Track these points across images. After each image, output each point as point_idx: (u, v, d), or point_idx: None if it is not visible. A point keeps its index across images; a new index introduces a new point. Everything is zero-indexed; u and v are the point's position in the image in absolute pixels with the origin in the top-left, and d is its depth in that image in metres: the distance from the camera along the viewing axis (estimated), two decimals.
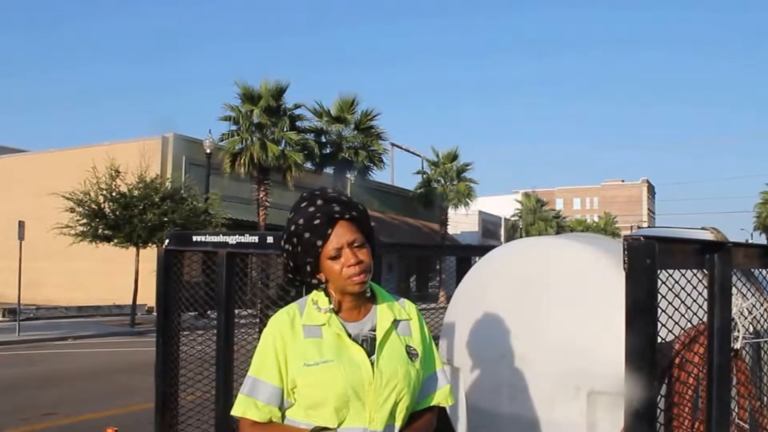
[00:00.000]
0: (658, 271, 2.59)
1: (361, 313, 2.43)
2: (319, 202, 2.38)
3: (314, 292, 2.46)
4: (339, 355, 2.31)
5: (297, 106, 35.78)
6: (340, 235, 2.34)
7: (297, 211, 2.41)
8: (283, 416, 2.37)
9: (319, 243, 2.34)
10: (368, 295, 2.46)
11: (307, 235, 2.34)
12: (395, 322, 2.44)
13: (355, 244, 2.35)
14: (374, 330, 2.41)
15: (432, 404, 2.54)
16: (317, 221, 2.34)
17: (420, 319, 2.55)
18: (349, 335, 2.37)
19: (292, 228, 2.38)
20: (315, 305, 2.42)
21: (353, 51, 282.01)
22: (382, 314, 2.44)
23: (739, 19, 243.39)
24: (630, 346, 2.51)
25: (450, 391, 2.59)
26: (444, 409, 2.83)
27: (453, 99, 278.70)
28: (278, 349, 2.35)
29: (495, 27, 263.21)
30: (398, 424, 2.36)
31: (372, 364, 2.33)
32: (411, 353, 2.42)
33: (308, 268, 2.38)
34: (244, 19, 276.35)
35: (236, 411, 2.37)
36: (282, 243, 2.43)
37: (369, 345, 2.37)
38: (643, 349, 2.50)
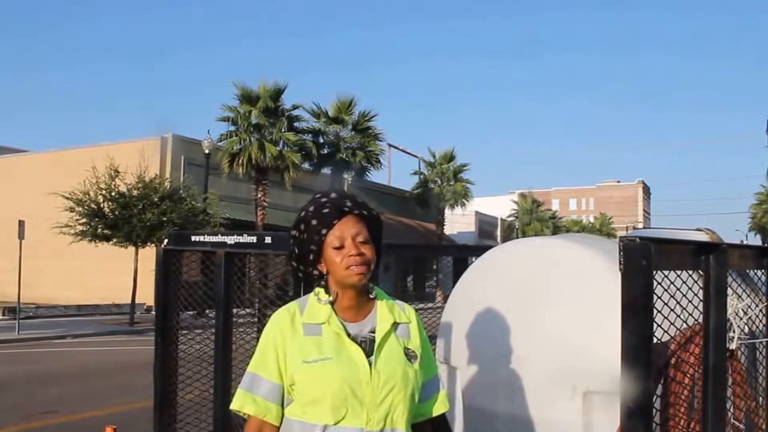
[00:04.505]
0: (654, 272, 2.61)
1: (361, 314, 2.45)
2: (333, 195, 2.45)
3: (316, 288, 2.48)
4: (338, 353, 2.33)
5: (295, 107, 35.82)
6: (346, 227, 2.38)
7: (310, 201, 2.46)
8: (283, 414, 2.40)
9: (324, 231, 2.38)
10: (371, 296, 2.48)
11: (314, 222, 2.39)
12: (395, 325, 2.47)
13: (359, 239, 2.38)
14: (374, 331, 2.43)
15: (436, 412, 2.58)
16: (326, 210, 2.39)
17: (419, 324, 2.57)
18: (349, 335, 2.39)
19: (302, 214, 2.44)
20: (316, 297, 2.45)
21: (351, 52, 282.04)
22: (383, 316, 2.46)
23: (735, 21, 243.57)
24: (626, 346, 2.53)
25: (446, 396, 2.63)
26: None
27: (450, 100, 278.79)
28: (278, 345, 2.38)
29: (492, 28, 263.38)
30: (401, 426, 2.38)
31: (370, 364, 2.35)
32: (410, 355, 2.44)
33: (311, 257, 2.42)
34: (243, 20, 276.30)
35: (234, 405, 2.41)
36: (291, 230, 2.48)
37: (368, 346, 2.39)
38: (638, 349, 2.52)
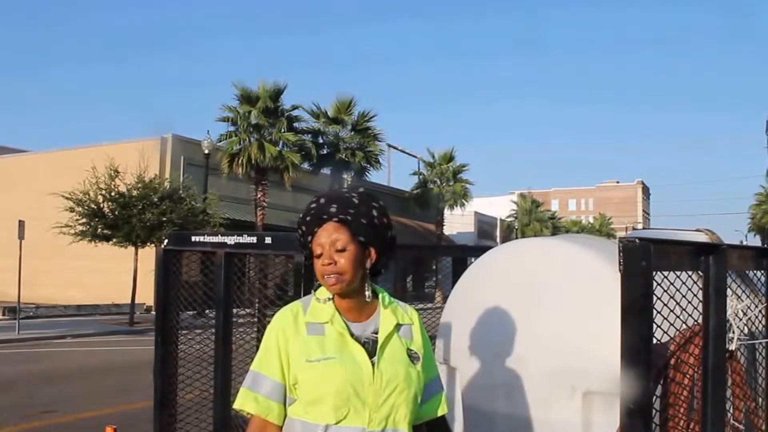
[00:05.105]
0: (654, 273, 2.62)
1: (364, 315, 2.47)
2: (322, 200, 2.45)
3: (320, 290, 2.50)
4: (341, 353, 2.34)
5: (295, 108, 35.78)
6: (325, 234, 2.39)
7: (306, 205, 2.49)
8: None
9: (309, 238, 2.43)
10: (368, 298, 2.47)
11: (303, 228, 2.45)
12: (398, 326, 2.48)
13: (337, 246, 2.37)
14: (377, 332, 2.44)
15: (439, 413, 2.59)
16: (309, 218, 2.43)
17: (421, 325, 2.59)
18: (352, 335, 2.40)
19: (298, 219, 2.49)
20: (316, 297, 2.47)
21: (350, 52, 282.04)
22: (386, 318, 2.47)
23: (735, 21, 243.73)
24: (625, 347, 2.54)
25: (444, 398, 2.64)
26: None
27: (449, 100, 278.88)
28: (280, 344, 2.39)
29: (492, 28, 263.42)
30: (403, 427, 2.39)
31: (373, 365, 2.36)
32: (412, 356, 2.45)
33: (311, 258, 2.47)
34: (242, 20, 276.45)
35: (236, 404, 2.43)
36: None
37: (371, 347, 2.40)
38: (638, 349, 2.53)
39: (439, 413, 2.61)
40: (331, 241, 2.38)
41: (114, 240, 25.36)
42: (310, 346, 2.36)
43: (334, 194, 2.48)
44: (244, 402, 2.40)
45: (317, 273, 2.41)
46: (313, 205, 2.44)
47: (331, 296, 2.45)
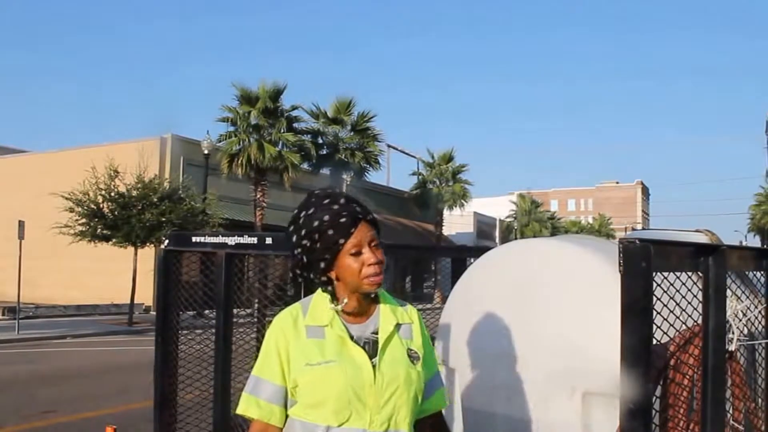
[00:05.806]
0: (654, 274, 2.62)
1: (364, 316, 2.45)
2: (342, 200, 2.40)
3: (319, 292, 2.48)
4: (340, 356, 2.34)
5: (294, 108, 35.71)
6: (362, 233, 2.37)
7: (318, 207, 2.39)
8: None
9: (341, 241, 2.35)
10: (372, 296, 2.48)
11: (330, 232, 2.34)
12: (397, 326, 2.47)
13: (374, 244, 2.37)
14: (377, 333, 2.43)
15: (436, 409, 2.59)
16: (343, 219, 2.36)
17: (421, 323, 2.58)
18: (351, 337, 2.39)
19: (315, 224, 2.37)
20: (332, 304, 2.43)
21: (350, 52, 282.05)
22: (385, 317, 2.46)
23: (736, 20, 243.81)
24: (625, 347, 2.54)
25: (444, 393, 2.64)
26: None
27: (449, 99, 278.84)
28: (281, 348, 2.39)
29: (492, 28, 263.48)
30: (404, 428, 2.39)
31: (373, 366, 2.35)
32: (412, 356, 2.44)
33: (322, 265, 2.39)
34: (242, 20, 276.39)
35: (239, 409, 2.42)
36: (297, 239, 2.42)
37: (371, 348, 2.39)
38: (638, 350, 2.53)
39: (439, 408, 2.61)
40: (370, 239, 2.38)
41: (113, 240, 25.38)
42: (310, 350, 2.35)
43: (347, 195, 2.46)
44: (246, 408, 2.40)
45: (357, 274, 2.36)
46: (337, 207, 2.38)
47: (343, 305, 2.42)
